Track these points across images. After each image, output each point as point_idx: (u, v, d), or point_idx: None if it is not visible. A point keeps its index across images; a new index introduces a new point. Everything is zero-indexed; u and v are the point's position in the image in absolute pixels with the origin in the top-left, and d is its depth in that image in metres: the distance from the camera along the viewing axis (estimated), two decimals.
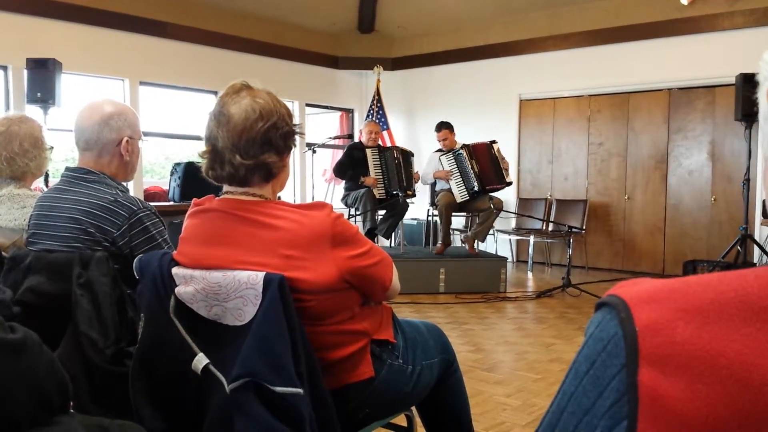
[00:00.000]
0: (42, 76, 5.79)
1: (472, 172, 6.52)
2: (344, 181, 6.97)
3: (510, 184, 6.74)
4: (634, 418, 0.52)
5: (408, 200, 6.98)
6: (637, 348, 0.52)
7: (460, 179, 6.61)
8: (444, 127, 6.85)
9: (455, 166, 6.63)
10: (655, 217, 7.78)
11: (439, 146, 6.96)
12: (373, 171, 6.73)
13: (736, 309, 0.50)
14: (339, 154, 7.22)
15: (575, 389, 0.57)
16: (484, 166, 6.57)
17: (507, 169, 6.69)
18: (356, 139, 7.06)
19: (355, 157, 6.78)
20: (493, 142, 6.76)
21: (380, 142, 8.71)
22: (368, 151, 6.76)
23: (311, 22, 9.07)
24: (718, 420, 0.48)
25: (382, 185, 6.72)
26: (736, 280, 0.52)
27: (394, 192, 6.70)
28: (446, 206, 6.55)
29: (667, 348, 0.51)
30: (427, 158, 7.17)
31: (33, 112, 5.67)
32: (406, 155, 7.02)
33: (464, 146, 6.63)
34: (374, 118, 9.25)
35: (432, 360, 1.89)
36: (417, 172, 7.06)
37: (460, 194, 6.59)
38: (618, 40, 7.73)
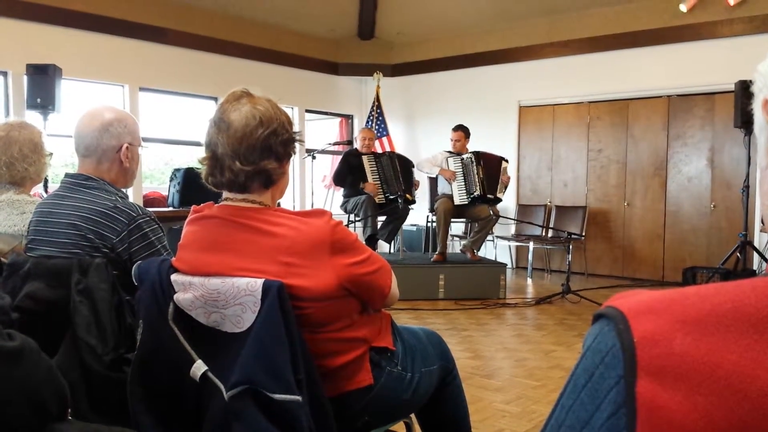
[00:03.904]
0: (42, 81, 5.79)
1: (476, 177, 6.56)
2: (344, 188, 6.99)
3: (500, 200, 6.79)
4: (632, 430, 0.51)
5: (408, 206, 6.99)
6: (636, 359, 0.52)
7: (463, 182, 6.63)
8: (461, 129, 6.88)
9: (461, 170, 6.66)
10: (654, 224, 7.78)
11: (446, 148, 6.97)
12: (371, 177, 6.73)
13: (734, 321, 0.50)
14: (338, 160, 7.23)
15: (573, 402, 0.57)
16: (488, 176, 6.61)
17: (505, 184, 6.76)
18: (356, 146, 7.07)
19: (351, 164, 6.79)
20: (504, 159, 6.84)
21: (380, 148, 8.78)
22: (364, 158, 6.78)
23: (311, 28, 9.09)
24: (717, 431, 0.48)
25: (381, 191, 6.73)
26: (733, 291, 0.52)
27: (394, 197, 6.70)
28: (445, 212, 6.56)
29: (665, 359, 0.51)
30: (431, 154, 7.17)
31: (33, 117, 5.67)
32: (405, 161, 7.03)
33: (473, 153, 6.66)
34: (374, 125, 9.27)
35: (431, 367, 1.89)
36: (418, 181, 7.08)
37: (459, 197, 6.63)
38: (617, 46, 7.75)
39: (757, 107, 0.65)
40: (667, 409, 0.50)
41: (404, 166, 6.97)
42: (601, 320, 0.57)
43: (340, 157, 7.36)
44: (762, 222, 6.49)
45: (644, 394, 0.51)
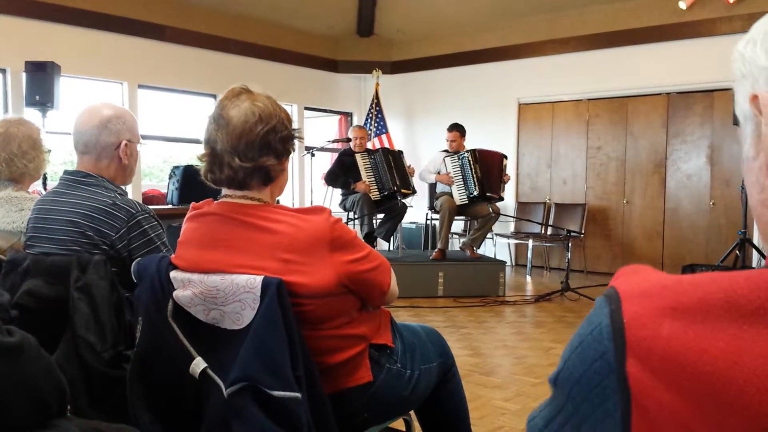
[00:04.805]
0: (41, 79, 5.79)
1: (473, 177, 6.55)
2: (336, 188, 7.02)
3: (502, 199, 6.78)
4: (627, 409, 0.54)
5: (406, 201, 6.99)
6: (625, 339, 0.54)
7: (462, 183, 6.63)
8: (456, 128, 6.87)
9: (458, 169, 6.65)
10: (653, 221, 7.78)
11: (445, 146, 6.97)
12: (365, 174, 6.74)
13: (724, 310, 0.51)
14: (336, 157, 7.24)
15: (568, 357, 0.62)
16: (487, 174, 6.60)
17: (506, 183, 6.76)
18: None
19: (346, 164, 6.81)
20: (504, 156, 6.83)
21: (379, 146, 8.78)
22: (357, 156, 6.79)
23: (310, 25, 9.08)
24: (704, 414, 0.49)
25: (376, 187, 6.74)
26: (727, 281, 0.52)
27: (389, 192, 6.70)
28: (450, 210, 6.54)
29: (652, 342, 0.52)
30: (428, 158, 7.19)
31: (31, 115, 5.66)
32: (395, 154, 7.04)
33: (470, 151, 6.64)
34: (373, 122, 9.27)
35: (430, 364, 1.89)
36: (411, 166, 7.07)
37: (459, 198, 6.63)
38: (617, 44, 7.75)
39: (742, 97, 0.64)
40: (655, 391, 0.52)
41: (397, 159, 6.96)
42: (602, 298, 0.61)
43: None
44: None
45: (634, 374, 0.53)
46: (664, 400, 0.51)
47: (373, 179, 6.75)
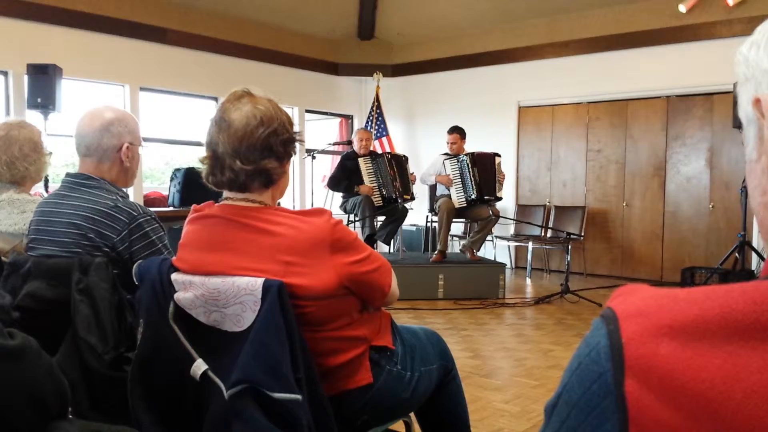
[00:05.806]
0: (42, 81, 5.80)
1: (471, 180, 6.56)
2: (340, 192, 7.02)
3: (500, 199, 6.78)
4: (625, 428, 0.53)
5: (407, 205, 7.00)
6: (623, 359, 0.54)
7: (461, 186, 6.64)
8: (456, 131, 6.88)
9: (458, 172, 6.66)
10: (653, 224, 7.78)
11: (446, 149, 6.98)
12: (368, 179, 6.74)
13: (720, 327, 0.51)
14: (338, 160, 7.24)
15: (567, 381, 0.60)
16: (485, 176, 6.61)
17: (501, 182, 6.75)
18: (353, 147, 7.08)
19: (348, 168, 6.80)
20: (497, 155, 6.82)
21: (380, 148, 8.79)
22: (360, 160, 6.79)
23: (311, 28, 9.10)
24: None
25: (378, 192, 6.74)
26: (723, 296, 0.52)
27: (392, 197, 6.70)
28: (448, 212, 6.56)
29: (650, 360, 0.52)
30: (429, 161, 7.21)
31: (33, 117, 5.67)
32: (400, 160, 7.04)
33: (468, 154, 6.66)
34: (373, 125, 9.28)
35: (430, 366, 1.90)
36: (413, 174, 7.08)
37: (458, 201, 6.65)
38: (617, 47, 7.76)
39: (745, 99, 0.64)
40: (653, 410, 0.51)
41: (400, 165, 6.97)
42: (599, 319, 0.60)
43: (339, 158, 7.37)
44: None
45: (632, 393, 0.53)
46: (663, 418, 0.51)
47: (375, 184, 6.76)
